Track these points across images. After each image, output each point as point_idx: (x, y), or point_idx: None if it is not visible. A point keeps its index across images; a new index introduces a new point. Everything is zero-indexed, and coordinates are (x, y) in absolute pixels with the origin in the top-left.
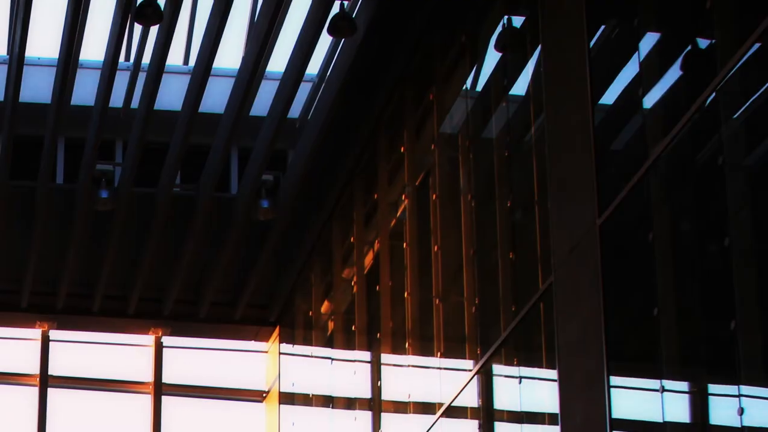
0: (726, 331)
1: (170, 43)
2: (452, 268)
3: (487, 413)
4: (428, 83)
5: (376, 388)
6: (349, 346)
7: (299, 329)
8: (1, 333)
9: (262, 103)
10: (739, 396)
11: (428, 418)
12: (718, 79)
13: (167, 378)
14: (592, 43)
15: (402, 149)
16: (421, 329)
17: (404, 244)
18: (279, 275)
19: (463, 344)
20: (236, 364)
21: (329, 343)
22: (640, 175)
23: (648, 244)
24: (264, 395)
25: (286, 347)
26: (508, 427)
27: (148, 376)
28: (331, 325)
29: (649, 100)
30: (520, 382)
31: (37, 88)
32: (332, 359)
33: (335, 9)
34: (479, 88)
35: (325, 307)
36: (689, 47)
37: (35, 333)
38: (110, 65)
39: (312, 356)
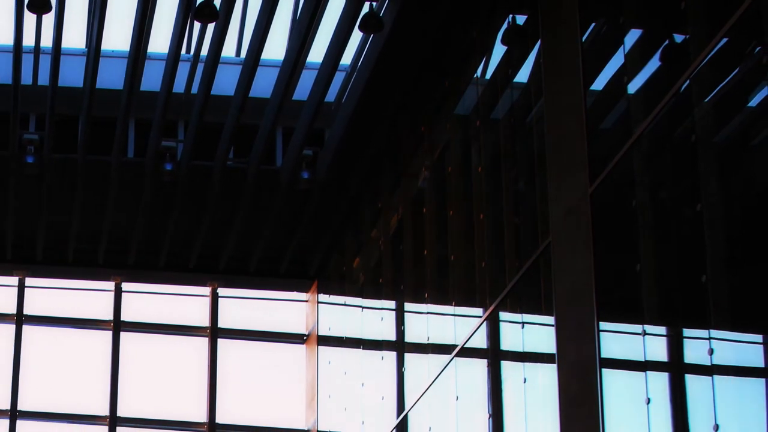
0: (698, 284)
1: (225, 38)
2: (464, 229)
3: (494, 353)
4: (444, 72)
5: (400, 332)
6: (377, 296)
7: (334, 281)
8: (81, 285)
9: (303, 88)
10: (710, 339)
11: (444, 358)
12: (692, 69)
13: (222, 323)
14: (584, 38)
15: (422, 128)
16: (438, 282)
17: (423, 210)
18: (317, 235)
19: (474, 294)
20: (280, 311)
21: (360, 293)
22: (625, 150)
23: (632, 210)
24: (304, 338)
25: (323, 297)
26: (512, 365)
27: (206, 322)
28: (361, 278)
29: (633, 87)
30: (522, 327)
31: (112, 76)
32: (362, 307)
33: (365, 9)
34: (488, 76)
35: (356, 263)
36: (666, 41)
37: (109, 285)
38: (173, 56)
39: (345, 305)
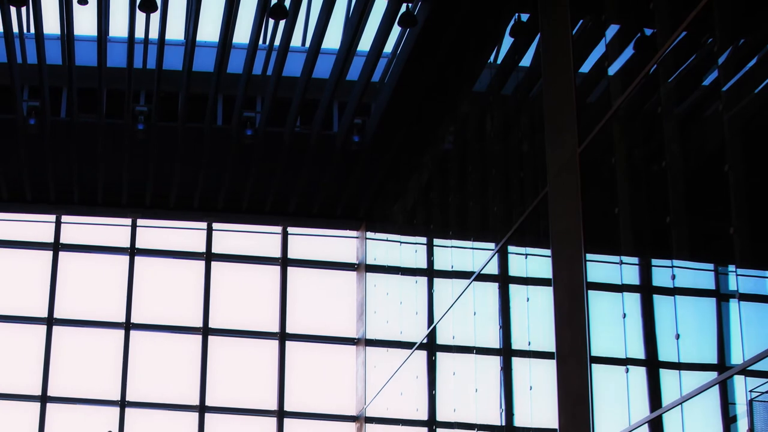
0: (663, 223)
1: (293, 31)
2: (481, 181)
3: (503, 278)
4: (465, 58)
5: (430, 262)
6: (412, 233)
7: (379, 222)
8: (180, 225)
9: (354, 71)
10: (672, 267)
11: (464, 282)
12: (658, 55)
13: (291, 255)
14: (574, 31)
15: (447, 102)
16: (459, 222)
17: (448, 166)
18: (365, 186)
19: (488, 232)
20: (336, 245)
21: (399, 231)
22: (606, 118)
23: (611, 165)
24: (355, 266)
25: (371, 234)
26: (518, 287)
27: (278, 254)
28: (400, 219)
29: (612, 69)
30: (526, 258)
31: (204, 61)
32: (401, 242)
33: (403, 8)
34: (499, 61)
35: (396, 207)
36: (639, 34)
37: (202, 225)
38: (253, 46)
39: (387, 240)
